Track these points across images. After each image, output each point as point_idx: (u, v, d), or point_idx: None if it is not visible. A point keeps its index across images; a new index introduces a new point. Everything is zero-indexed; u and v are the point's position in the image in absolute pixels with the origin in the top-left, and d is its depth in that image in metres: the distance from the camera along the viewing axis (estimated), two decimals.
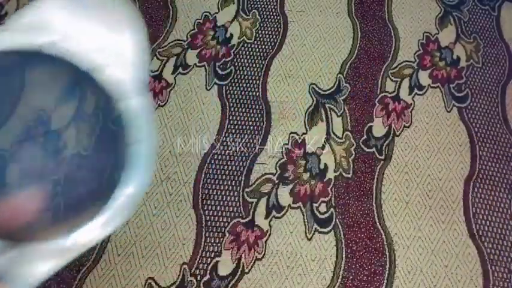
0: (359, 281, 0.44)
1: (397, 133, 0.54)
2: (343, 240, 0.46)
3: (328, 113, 0.55)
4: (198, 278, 0.44)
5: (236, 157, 0.51)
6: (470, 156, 0.52)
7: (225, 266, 0.45)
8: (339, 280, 0.44)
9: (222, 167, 0.51)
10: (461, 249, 0.46)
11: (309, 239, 0.46)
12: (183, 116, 0.55)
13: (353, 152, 0.52)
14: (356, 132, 0.54)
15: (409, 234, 0.47)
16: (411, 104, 0.56)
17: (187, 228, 0.46)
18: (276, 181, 0.50)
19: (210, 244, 0.46)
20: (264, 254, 0.45)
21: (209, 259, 0.45)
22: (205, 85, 0.57)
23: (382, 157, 0.52)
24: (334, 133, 0.54)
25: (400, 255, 0.46)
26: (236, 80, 0.58)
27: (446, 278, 0.45)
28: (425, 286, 0.44)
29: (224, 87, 0.57)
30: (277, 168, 0.51)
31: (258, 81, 0.57)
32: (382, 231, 0.47)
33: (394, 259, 0.46)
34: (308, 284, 0.44)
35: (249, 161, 0.51)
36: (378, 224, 0.48)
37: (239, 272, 0.45)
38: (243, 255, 0.45)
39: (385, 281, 0.44)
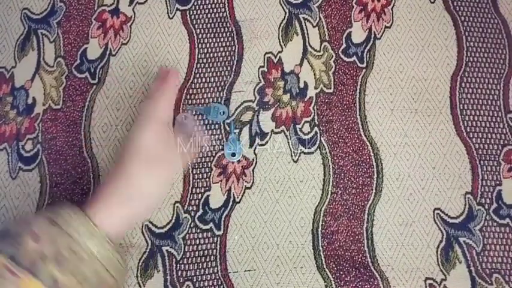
0: (348, 195, 0.45)
1: (378, 36, 0.50)
2: (329, 158, 0.46)
3: (303, 24, 0.51)
4: (192, 213, 0.45)
5: (212, 88, 0.49)
6: (456, 49, 0.49)
7: (216, 199, 0.46)
8: (328, 196, 0.45)
9: (198, 101, 0.49)
10: (449, 149, 0.46)
11: (296, 161, 0.46)
12: (149, 51, 0.51)
13: (333, 65, 0.49)
14: (334, 42, 0.50)
15: (395, 142, 0.46)
16: (391, 0, 0.51)
17: None
18: (256, 108, 0.48)
19: (198, 180, 0.46)
20: (253, 182, 0.46)
21: (200, 195, 0.46)
22: (167, 13, 0.52)
23: (364, 65, 0.49)
24: (311, 46, 0.50)
25: (387, 163, 0.46)
26: (199, 2, 0.53)
27: (435, 179, 0.45)
28: (413, 190, 0.45)
29: (188, 12, 0.52)
30: (256, 94, 0.49)
31: (223, 0, 0.52)
32: (368, 142, 0.46)
33: (381, 168, 0.46)
34: (298, 205, 0.45)
35: (225, 91, 0.49)
36: (363, 136, 0.47)
37: (230, 203, 0.45)
38: (232, 186, 0.46)
39: (374, 191, 0.45)
